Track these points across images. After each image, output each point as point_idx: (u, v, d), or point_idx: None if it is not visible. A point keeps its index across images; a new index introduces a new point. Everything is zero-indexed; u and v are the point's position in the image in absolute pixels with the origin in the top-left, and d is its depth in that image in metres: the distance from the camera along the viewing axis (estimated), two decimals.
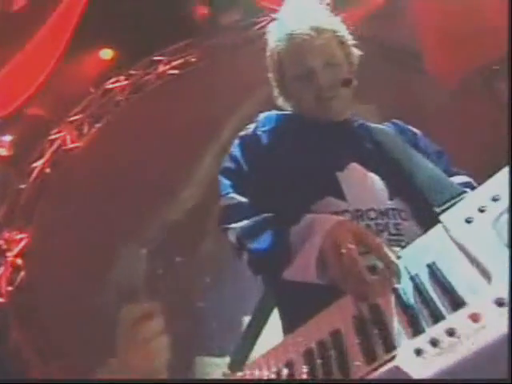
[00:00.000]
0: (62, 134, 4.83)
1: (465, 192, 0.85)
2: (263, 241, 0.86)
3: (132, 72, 4.95)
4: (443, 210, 0.80)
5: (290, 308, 0.94)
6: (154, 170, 4.53)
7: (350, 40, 1.06)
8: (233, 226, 0.92)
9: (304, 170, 0.96)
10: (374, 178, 0.96)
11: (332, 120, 1.03)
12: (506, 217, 0.66)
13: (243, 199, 0.95)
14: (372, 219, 0.91)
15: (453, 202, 0.82)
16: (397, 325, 0.66)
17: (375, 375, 0.59)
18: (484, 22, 3.39)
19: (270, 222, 0.88)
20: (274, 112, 1.10)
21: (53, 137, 4.78)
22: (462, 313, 0.59)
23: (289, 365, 0.72)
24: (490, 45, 3.47)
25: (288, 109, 1.11)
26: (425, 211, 0.89)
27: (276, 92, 1.11)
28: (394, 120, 1.14)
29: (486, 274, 0.63)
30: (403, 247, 0.81)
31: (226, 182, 1.00)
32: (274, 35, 1.06)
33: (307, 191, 0.93)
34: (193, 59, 4.96)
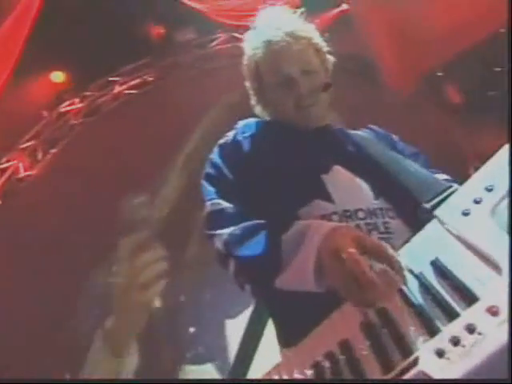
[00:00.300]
0: (13, 162, 4.55)
1: (451, 186, 0.86)
2: (253, 247, 0.82)
3: (87, 94, 4.79)
4: (434, 206, 0.80)
5: (287, 319, 0.90)
6: (115, 195, 4.34)
7: (324, 47, 1.08)
8: (220, 232, 0.88)
9: (289, 174, 0.95)
10: (358, 180, 0.96)
11: (312, 126, 1.03)
12: (503, 205, 0.66)
13: (229, 205, 0.92)
14: (361, 219, 0.90)
15: (442, 196, 0.82)
16: (410, 327, 0.62)
17: (401, 381, 0.55)
18: (427, 31, 3.59)
19: (260, 227, 0.85)
20: (253, 119, 1.09)
21: (3, 165, 4.49)
22: (479, 307, 0.57)
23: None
24: (434, 52, 3.68)
25: (266, 117, 1.10)
26: (410, 210, 0.90)
27: (254, 100, 1.11)
28: (370, 126, 1.16)
29: (493, 265, 0.61)
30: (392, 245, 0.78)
31: (209, 188, 0.97)
32: (251, 43, 1.06)
33: (294, 195, 0.92)
34: (150, 78, 4.88)
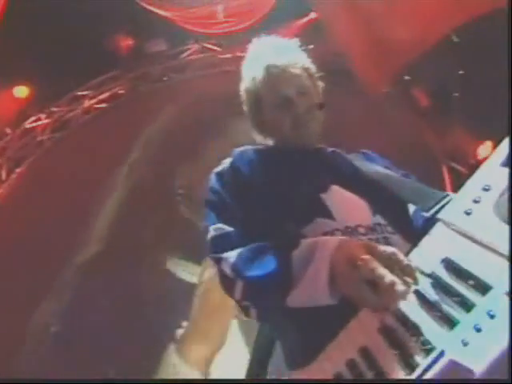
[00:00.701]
0: None
1: (448, 195, 0.90)
2: (263, 266, 0.83)
3: (54, 109, 4.62)
4: (434, 214, 0.84)
5: (299, 338, 0.89)
6: (86, 214, 4.20)
7: (316, 73, 1.14)
8: (226, 255, 0.88)
9: (289, 195, 0.97)
10: (356, 198, 1.00)
11: (309, 144, 1.08)
12: (502, 201, 0.69)
13: (231, 229, 0.94)
14: (362, 234, 0.93)
15: (441, 204, 0.86)
16: (430, 323, 0.64)
17: (431, 374, 0.56)
18: (393, 33, 3.70)
19: (268, 247, 0.86)
20: (249, 146, 1.11)
21: None
22: (495, 293, 0.59)
23: None
24: (401, 54, 3.80)
25: (263, 142, 1.14)
26: (406, 225, 0.97)
27: (252, 125, 1.14)
28: (363, 150, 1.20)
29: (500, 255, 0.64)
30: None
31: (211, 213, 0.99)
32: (251, 69, 1.11)
33: (296, 215, 0.94)
34: (121, 91, 4.78)
